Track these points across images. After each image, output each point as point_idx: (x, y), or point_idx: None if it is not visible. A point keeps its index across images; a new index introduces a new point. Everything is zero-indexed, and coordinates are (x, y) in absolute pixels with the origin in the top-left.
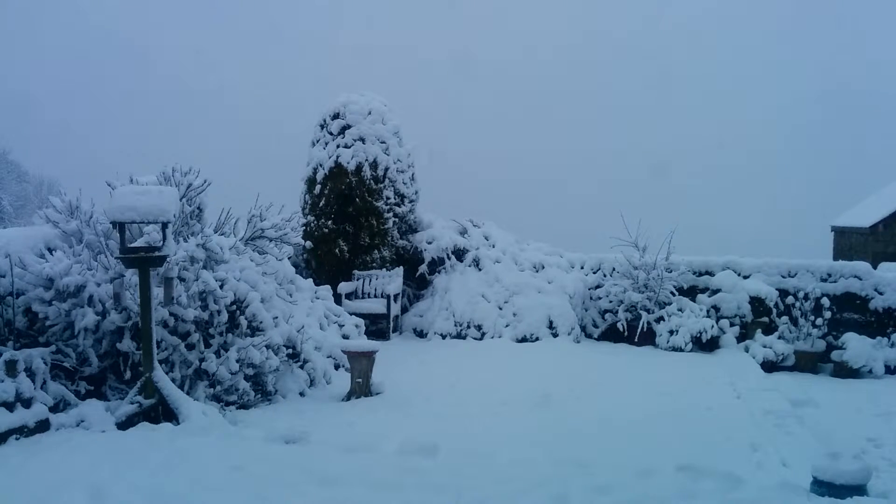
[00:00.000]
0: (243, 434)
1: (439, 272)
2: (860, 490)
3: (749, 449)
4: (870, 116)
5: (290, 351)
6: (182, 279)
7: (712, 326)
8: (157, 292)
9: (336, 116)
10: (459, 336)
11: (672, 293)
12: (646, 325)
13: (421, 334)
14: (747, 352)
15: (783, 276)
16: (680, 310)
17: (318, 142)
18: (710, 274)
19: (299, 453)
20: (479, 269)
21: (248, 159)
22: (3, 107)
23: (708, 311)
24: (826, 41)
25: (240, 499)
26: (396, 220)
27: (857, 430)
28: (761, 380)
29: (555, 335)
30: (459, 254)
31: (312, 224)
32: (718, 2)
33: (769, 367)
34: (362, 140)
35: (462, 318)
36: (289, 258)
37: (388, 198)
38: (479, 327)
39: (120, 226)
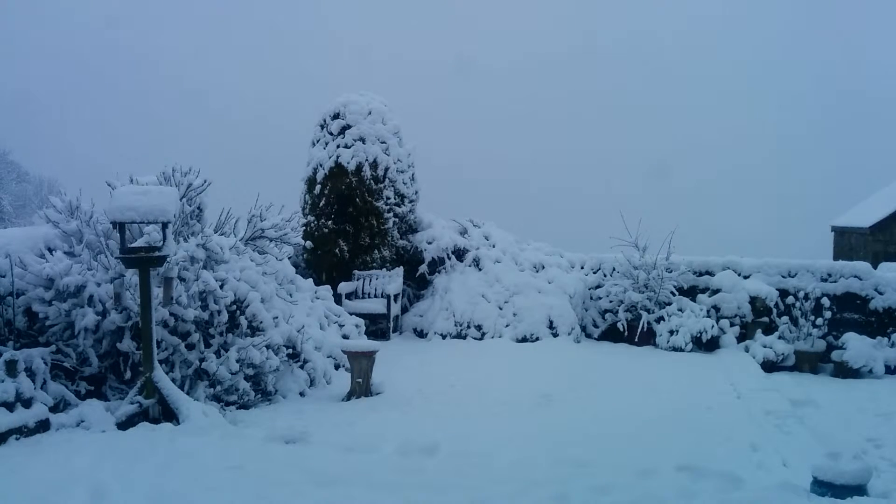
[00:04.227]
0: (243, 434)
1: (439, 272)
2: (860, 490)
3: (749, 449)
4: (870, 117)
5: (291, 351)
6: (182, 279)
7: (712, 326)
8: (157, 292)
9: (336, 116)
10: (459, 336)
11: (672, 293)
12: (646, 325)
13: (421, 334)
14: (747, 352)
15: (783, 276)
16: (680, 310)
17: (318, 142)
18: (711, 274)
19: (299, 453)
20: (480, 269)
21: (249, 159)
22: (3, 107)
23: (708, 311)
24: (826, 41)
25: (240, 499)
26: (396, 220)
27: (857, 430)
28: (761, 380)
29: (555, 335)
30: (459, 254)
31: (312, 224)
32: (719, 2)
33: (769, 367)
34: (362, 140)
35: (462, 318)
36: (289, 258)
37: (388, 198)
38: (479, 327)
39: (120, 226)
